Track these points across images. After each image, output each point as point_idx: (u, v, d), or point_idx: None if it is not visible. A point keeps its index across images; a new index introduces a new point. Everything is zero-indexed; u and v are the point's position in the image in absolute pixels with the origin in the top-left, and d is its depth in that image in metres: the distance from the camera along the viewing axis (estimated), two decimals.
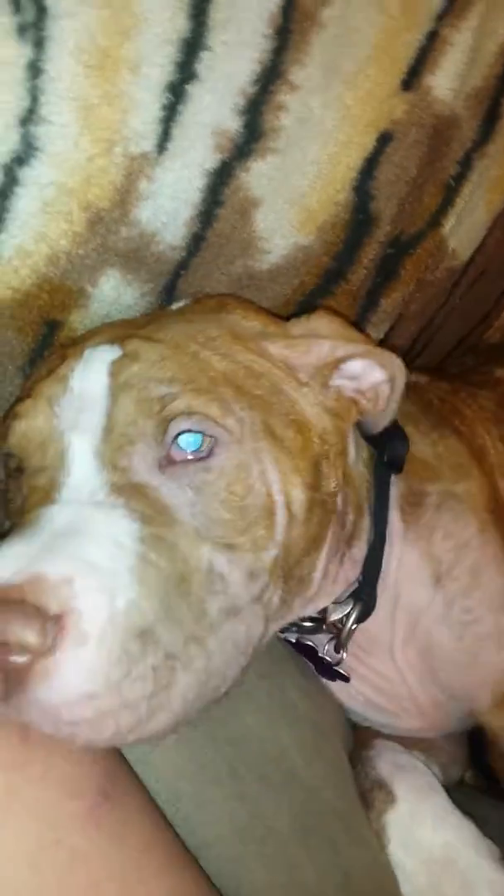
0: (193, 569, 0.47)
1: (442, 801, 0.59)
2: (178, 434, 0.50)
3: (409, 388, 0.80)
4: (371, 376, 0.59)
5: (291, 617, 0.60)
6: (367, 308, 0.83)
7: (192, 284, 0.69)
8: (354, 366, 0.58)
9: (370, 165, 0.72)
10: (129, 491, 0.48)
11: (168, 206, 0.62)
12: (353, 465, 0.63)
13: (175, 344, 0.53)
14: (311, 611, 0.61)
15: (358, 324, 0.84)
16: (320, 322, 0.60)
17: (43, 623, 0.41)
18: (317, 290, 0.76)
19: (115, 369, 0.52)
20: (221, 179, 0.64)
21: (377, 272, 0.80)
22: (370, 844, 0.58)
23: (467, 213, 0.84)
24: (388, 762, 0.62)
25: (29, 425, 0.52)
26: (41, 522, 0.46)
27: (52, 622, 0.41)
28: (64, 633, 0.41)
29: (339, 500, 0.60)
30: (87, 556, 0.44)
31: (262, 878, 0.52)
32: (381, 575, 0.64)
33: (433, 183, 0.79)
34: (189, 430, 0.50)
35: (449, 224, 0.82)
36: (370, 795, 0.61)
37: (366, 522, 0.64)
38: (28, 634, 0.40)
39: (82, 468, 0.49)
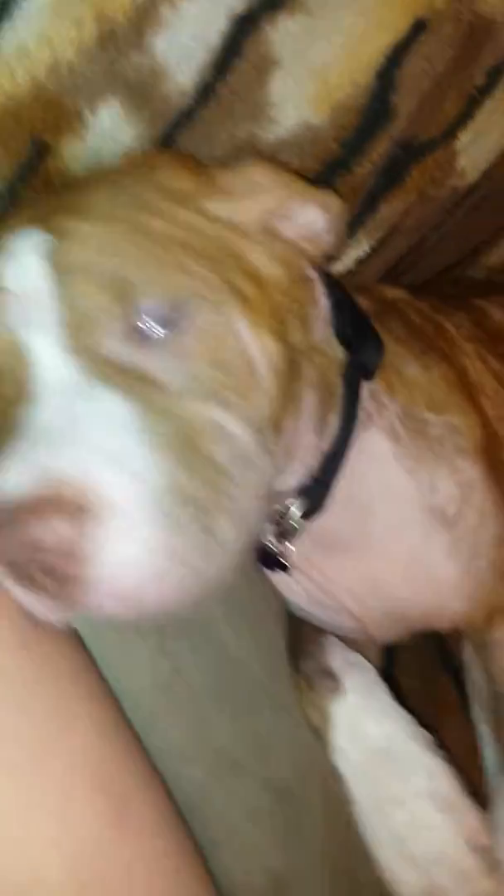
0: (195, 427, 0.47)
1: (386, 697, 0.62)
2: (145, 309, 0.48)
3: (392, 305, 0.79)
4: (311, 220, 0.58)
5: (283, 480, 0.59)
6: (365, 210, 0.80)
7: (193, 141, 0.66)
8: (296, 213, 0.57)
9: (398, 52, 0.68)
10: (106, 371, 0.47)
11: (186, 42, 0.58)
12: (320, 341, 0.61)
13: (108, 213, 0.51)
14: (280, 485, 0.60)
15: (353, 225, 0.82)
16: (257, 172, 0.57)
17: (77, 516, 0.41)
18: (319, 176, 0.73)
19: (52, 252, 0.49)
20: (245, 28, 0.60)
21: (383, 173, 0.77)
22: (291, 718, 0.60)
23: (484, 132, 0.81)
24: (339, 656, 0.64)
25: None
26: (29, 424, 0.45)
27: (86, 512, 0.41)
28: (101, 517, 0.42)
29: (309, 370, 0.58)
30: (93, 442, 0.44)
31: (175, 731, 0.53)
32: (358, 493, 0.63)
33: (457, 89, 0.76)
34: (156, 304, 0.48)
35: (464, 139, 0.80)
36: (317, 680, 0.63)
37: (333, 420, 0.63)
38: (66, 531, 0.41)
39: (52, 361, 0.47)
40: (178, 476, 0.45)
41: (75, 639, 0.51)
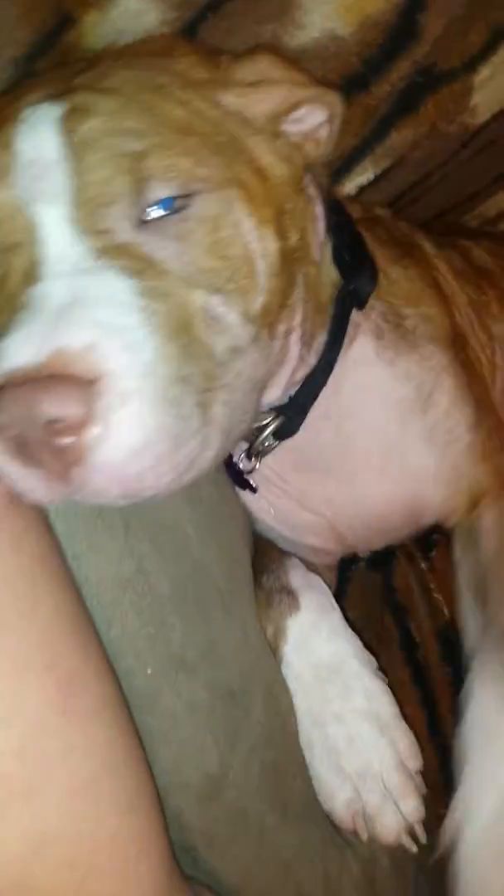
0: (193, 313, 0.47)
1: (338, 618, 0.64)
2: (155, 193, 0.48)
3: (375, 220, 0.79)
4: (314, 118, 0.57)
5: (273, 387, 0.60)
6: (376, 136, 0.79)
7: (215, 35, 0.64)
8: (302, 111, 0.56)
9: None
10: (114, 252, 0.47)
11: None
12: (316, 259, 0.61)
13: (126, 93, 0.50)
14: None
15: (362, 150, 0.81)
16: (267, 65, 0.56)
17: (82, 392, 0.41)
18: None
19: (69, 126, 0.48)
20: None
21: (399, 98, 0.76)
22: (244, 627, 0.61)
23: (502, 70, 0.80)
24: (299, 575, 0.66)
25: None
26: (37, 301, 0.45)
27: (91, 389, 0.41)
28: (106, 396, 0.42)
29: (303, 281, 0.59)
30: (99, 319, 0.44)
31: (132, 625, 0.54)
32: (338, 403, 0.64)
33: (484, 20, 0.75)
34: (167, 189, 0.48)
35: (482, 74, 0.79)
36: (277, 596, 0.65)
37: (320, 339, 0.63)
38: (70, 406, 0.41)
39: (61, 238, 0.47)
40: (180, 363, 0.45)
41: (46, 525, 0.51)
